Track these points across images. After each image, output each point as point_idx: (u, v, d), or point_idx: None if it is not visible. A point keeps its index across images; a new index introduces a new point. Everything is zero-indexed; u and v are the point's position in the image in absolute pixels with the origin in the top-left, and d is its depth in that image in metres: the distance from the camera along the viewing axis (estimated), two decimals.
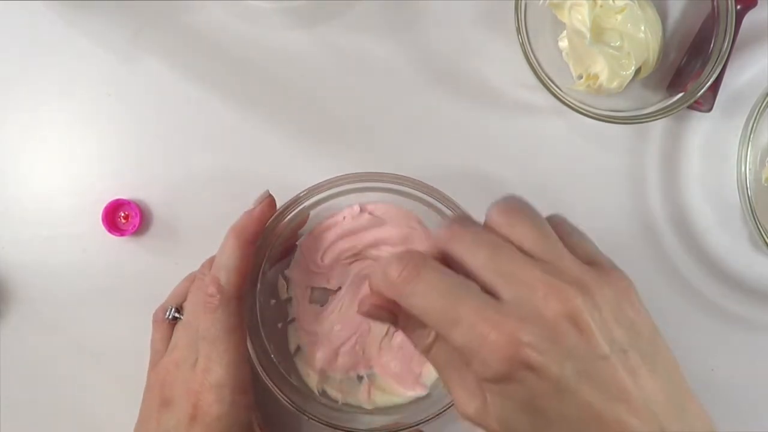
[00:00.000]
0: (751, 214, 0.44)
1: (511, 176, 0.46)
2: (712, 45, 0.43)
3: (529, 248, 0.27)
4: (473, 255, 0.27)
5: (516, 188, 0.46)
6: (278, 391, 0.40)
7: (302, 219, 0.42)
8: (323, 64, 0.46)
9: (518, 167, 0.47)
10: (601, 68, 0.44)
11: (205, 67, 0.46)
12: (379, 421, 0.42)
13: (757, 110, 0.44)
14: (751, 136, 0.44)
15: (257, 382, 0.40)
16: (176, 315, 0.40)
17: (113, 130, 0.46)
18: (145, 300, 0.42)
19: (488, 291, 0.27)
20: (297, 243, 0.44)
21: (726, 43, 0.42)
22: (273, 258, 0.42)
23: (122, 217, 0.45)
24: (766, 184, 0.46)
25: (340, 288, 0.43)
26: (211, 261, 0.40)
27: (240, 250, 0.38)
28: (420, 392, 0.43)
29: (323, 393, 0.43)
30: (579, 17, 0.44)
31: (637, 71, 0.45)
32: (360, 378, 0.43)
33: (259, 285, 0.41)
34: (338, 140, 0.46)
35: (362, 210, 0.43)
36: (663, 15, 0.46)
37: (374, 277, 0.29)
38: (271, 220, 0.40)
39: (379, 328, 0.43)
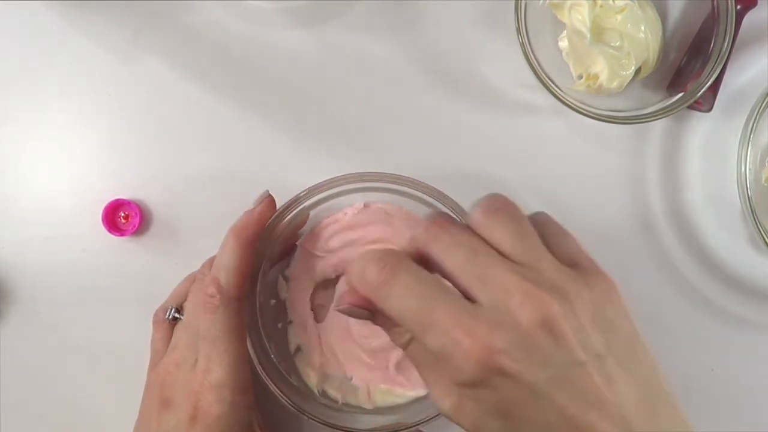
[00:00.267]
0: (751, 214, 0.44)
1: (511, 176, 0.46)
2: (712, 45, 0.43)
3: (508, 250, 0.27)
4: (451, 257, 0.27)
5: (516, 188, 0.46)
6: (278, 391, 0.40)
7: (302, 219, 0.42)
8: (323, 64, 0.46)
9: (518, 167, 0.47)
10: (601, 68, 0.44)
11: (205, 67, 0.46)
12: (379, 421, 0.42)
13: (757, 110, 0.44)
14: (751, 136, 0.44)
15: (257, 382, 0.40)
16: (176, 315, 0.40)
17: (113, 130, 0.46)
18: (145, 300, 0.42)
19: (465, 294, 0.27)
20: (297, 243, 0.44)
21: (726, 43, 0.42)
22: (273, 258, 0.42)
23: (122, 217, 0.45)
24: (766, 184, 0.46)
25: (338, 277, 0.43)
26: (211, 261, 0.40)
27: (240, 251, 0.38)
28: (420, 392, 0.43)
29: (323, 393, 0.43)
30: (579, 17, 0.44)
31: (637, 71, 0.45)
32: None
33: (259, 285, 0.41)
34: (338, 140, 0.46)
35: (366, 206, 0.43)
36: (663, 15, 0.46)
37: (351, 276, 0.28)
38: (271, 220, 0.40)
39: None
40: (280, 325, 0.44)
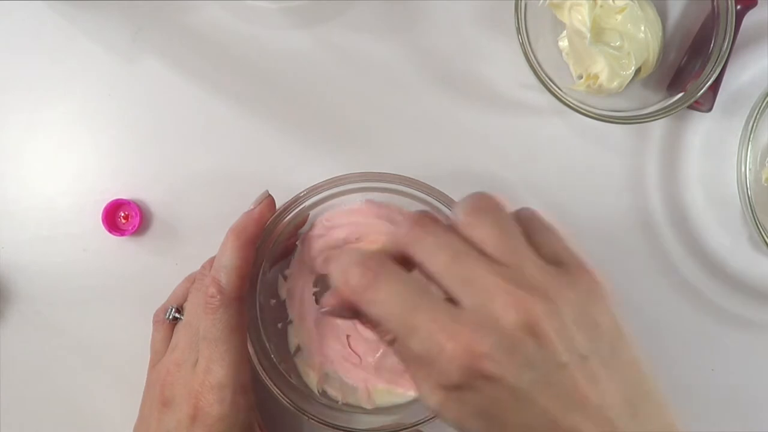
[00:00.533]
0: (751, 214, 0.44)
1: (511, 176, 0.46)
2: (712, 45, 0.43)
3: (491, 250, 0.27)
4: (433, 259, 0.27)
5: (516, 188, 0.46)
6: (278, 391, 0.40)
7: (302, 219, 0.42)
8: (323, 64, 0.46)
9: (518, 167, 0.47)
10: (601, 68, 0.44)
11: (204, 67, 0.46)
12: (379, 421, 0.42)
13: (757, 110, 0.44)
14: (751, 136, 0.44)
15: (257, 382, 0.40)
16: (176, 315, 0.40)
17: (113, 130, 0.46)
18: (145, 300, 0.42)
19: (448, 296, 0.27)
20: (297, 243, 0.44)
21: (726, 43, 0.42)
22: (273, 258, 0.42)
23: (122, 217, 0.45)
24: (766, 184, 0.46)
25: None
26: (211, 261, 0.40)
27: (240, 251, 0.38)
28: None
29: (323, 393, 0.43)
30: (579, 17, 0.44)
31: (637, 71, 0.45)
32: None
33: (259, 285, 0.41)
34: (338, 140, 0.46)
35: (369, 203, 0.43)
36: (663, 15, 0.46)
37: (333, 279, 0.28)
38: (271, 220, 0.40)
39: None
40: (280, 325, 0.44)
